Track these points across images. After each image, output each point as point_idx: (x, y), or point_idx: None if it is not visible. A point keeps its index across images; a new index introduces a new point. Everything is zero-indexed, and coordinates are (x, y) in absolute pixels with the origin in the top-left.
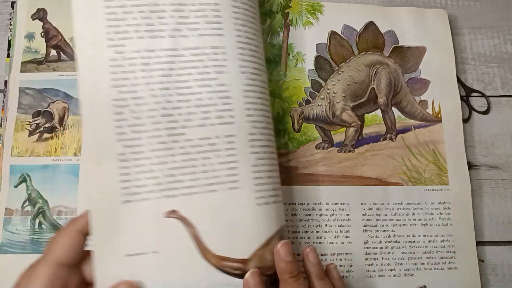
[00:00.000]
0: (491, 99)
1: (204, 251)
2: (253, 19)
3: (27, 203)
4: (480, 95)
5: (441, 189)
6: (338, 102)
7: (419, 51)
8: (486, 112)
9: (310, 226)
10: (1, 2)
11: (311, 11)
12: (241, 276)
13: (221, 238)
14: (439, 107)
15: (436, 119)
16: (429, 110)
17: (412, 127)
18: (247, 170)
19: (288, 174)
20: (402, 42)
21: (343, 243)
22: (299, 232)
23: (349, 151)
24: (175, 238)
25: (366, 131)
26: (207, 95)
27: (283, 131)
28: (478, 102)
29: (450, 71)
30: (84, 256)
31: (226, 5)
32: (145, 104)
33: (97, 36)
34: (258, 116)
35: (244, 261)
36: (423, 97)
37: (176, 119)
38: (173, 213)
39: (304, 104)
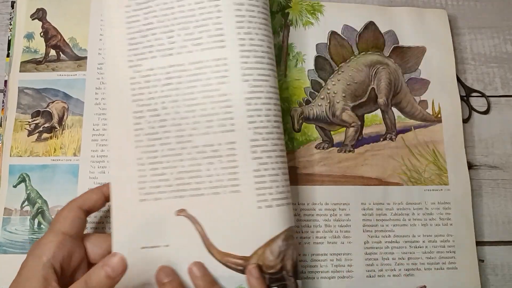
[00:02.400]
0: (491, 99)
1: (210, 247)
2: (262, 24)
3: (26, 203)
4: (480, 95)
5: (441, 189)
6: (338, 102)
7: (419, 51)
8: (486, 112)
9: (310, 226)
10: (1, 2)
11: (311, 11)
12: (242, 271)
13: (225, 236)
14: (439, 107)
15: (436, 119)
16: (429, 110)
17: (412, 127)
18: (248, 174)
19: (288, 174)
20: (402, 42)
21: (343, 243)
22: (299, 232)
23: (349, 151)
24: (184, 234)
25: (366, 131)
26: (210, 105)
27: (283, 131)
28: (478, 102)
29: (450, 71)
30: (83, 228)
31: (228, 17)
32: (157, 115)
33: (121, 59)
34: (262, 122)
35: (245, 258)
36: (423, 97)
37: (184, 128)
38: (182, 212)
39: (304, 104)
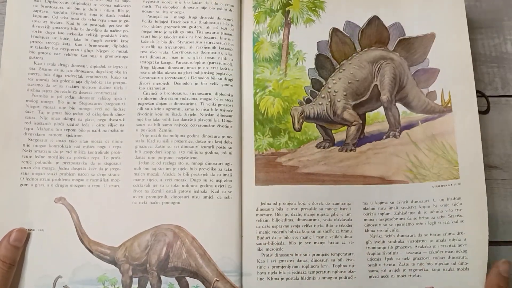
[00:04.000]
0: (491, 99)
1: (82, 235)
2: (169, 38)
3: None
4: (480, 95)
5: (451, 184)
6: (339, 101)
7: (427, 39)
8: (486, 112)
9: (311, 226)
10: (1, 3)
11: (312, 8)
12: (109, 261)
13: (99, 226)
14: (449, 96)
15: (445, 109)
16: (438, 101)
17: (419, 122)
18: (129, 171)
19: (288, 173)
20: (409, 33)
21: (344, 243)
22: (299, 232)
23: (351, 150)
24: (59, 221)
25: (368, 129)
26: (105, 106)
27: (284, 130)
28: (478, 102)
29: (464, 55)
30: None
31: (135, 31)
32: (52, 107)
33: (22, 48)
34: (150, 125)
35: (113, 249)
36: (431, 88)
37: (76, 123)
38: (61, 200)
39: (304, 103)
